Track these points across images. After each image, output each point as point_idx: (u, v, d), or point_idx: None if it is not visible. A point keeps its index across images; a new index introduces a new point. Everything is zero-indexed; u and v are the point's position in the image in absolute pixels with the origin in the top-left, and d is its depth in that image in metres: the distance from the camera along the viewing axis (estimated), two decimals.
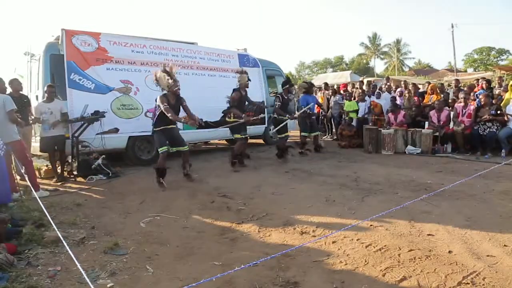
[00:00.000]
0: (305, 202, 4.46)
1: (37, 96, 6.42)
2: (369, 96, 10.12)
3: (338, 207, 4.24)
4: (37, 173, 6.04)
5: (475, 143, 7.47)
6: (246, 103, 6.73)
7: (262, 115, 6.68)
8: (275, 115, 7.35)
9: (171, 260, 2.98)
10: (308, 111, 7.77)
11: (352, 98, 10.09)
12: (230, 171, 6.41)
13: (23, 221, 3.75)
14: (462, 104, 7.83)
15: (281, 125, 7.24)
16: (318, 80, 22.72)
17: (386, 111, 9.23)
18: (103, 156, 6.40)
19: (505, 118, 7.12)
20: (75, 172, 6.28)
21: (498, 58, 43.47)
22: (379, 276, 2.60)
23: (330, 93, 11.27)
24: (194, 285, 2.15)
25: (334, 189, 5.01)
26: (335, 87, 12.10)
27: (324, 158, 7.53)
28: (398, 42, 47.98)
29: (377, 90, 10.47)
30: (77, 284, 2.61)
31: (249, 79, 6.55)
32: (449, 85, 13.55)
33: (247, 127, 6.85)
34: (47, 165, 6.53)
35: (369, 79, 17.14)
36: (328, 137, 11.23)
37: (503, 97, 7.87)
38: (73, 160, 6.43)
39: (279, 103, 7.23)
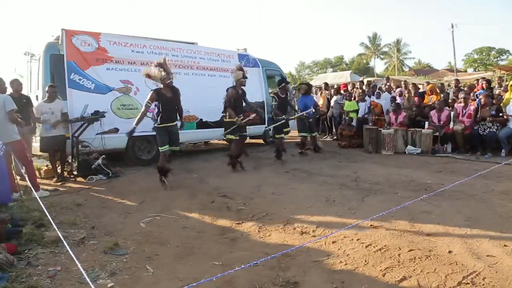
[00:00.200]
0: (305, 202, 4.46)
1: (37, 96, 6.41)
2: (369, 96, 10.12)
3: (338, 207, 4.24)
4: (37, 173, 6.04)
5: (475, 143, 7.47)
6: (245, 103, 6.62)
7: (252, 116, 6.42)
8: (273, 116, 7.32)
9: (171, 260, 2.98)
10: (305, 115, 7.77)
11: (352, 98, 10.09)
12: (230, 171, 6.40)
13: (23, 221, 3.75)
14: (462, 104, 7.83)
15: (276, 124, 7.17)
16: (318, 80, 22.77)
17: (386, 111, 9.24)
18: (103, 156, 6.40)
19: (504, 117, 7.12)
20: (75, 172, 6.28)
21: (498, 58, 43.48)
22: (379, 276, 2.60)
23: (332, 93, 11.26)
24: (194, 285, 2.14)
25: (334, 189, 5.01)
26: (335, 87, 12.09)
27: (324, 158, 7.53)
28: (398, 42, 48.00)
29: (377, 90, 10.48)
30: (77, 284, 2.61)
31: (245, 77, 6.32)
32: (449, 85, 13.55)
33: (247, 127, 6.79)
34: (47, 165, 6.53)
35: (369, 79, 17.14)
36: (328, 137, 11.23)
37: (503, 97, 7.87)
38: (73, 160, 6.43)
39: (275, 103, 7.19)
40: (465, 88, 9.35)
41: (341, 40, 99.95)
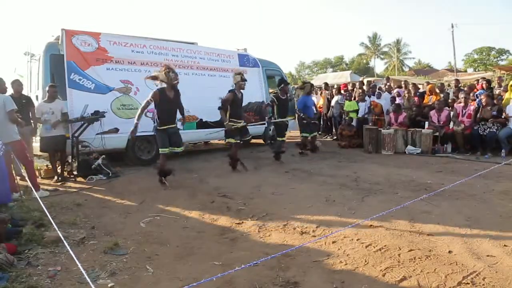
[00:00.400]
0: (305, 202, 4.46)
1: (37, 96, 6.41)
2: (369, 96, 10.11)
3: (338, 207, 4.24)
4: (37, 173, 6.04)
5: (475, 143, 7.47)
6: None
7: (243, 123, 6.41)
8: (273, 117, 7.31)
9: (171, 260, 2.98)
10: (301, 115, 7.82)
11: (352, 98, 10.09)
12: (230, 171, 6.40)
13: (23, 221, 3.75)
14: (462, 104, 7.83)
15: (275, 121, 7.19)
16: (318, 80, 22.78)
17: (386, 111, 9.24)
18: (103, 156, 6.40)
19: (503, 115, 7.12)
20: (75, 172, 6.28)
21: (498, 58, 43.49)
22: (379, 276, 2.60)
23: (334, 93, 11.26)
24: (194, 285, 2.14)
25: (334, 189, 5.01)
26: (335, 87, 12.09)
27: (324, 158, 7.53)
28: (398, 42, 48.02)
29: (377, 90, 10.47)
30: (77, 284, 2.61)
31: (244, 80, 6.31)
32: (449, 85, 13.56)
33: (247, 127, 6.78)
34: (47, 165, 6.53)
35: (369, 79, 17.14)
36: (328, 137, 11.23)
37: (503, 97, 7.87)
38: (73, 160, 6.43)
39: (275, 104, 7.19)
40: (465, 88, 9.35)
41: (341, 40, 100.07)
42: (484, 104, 7.40)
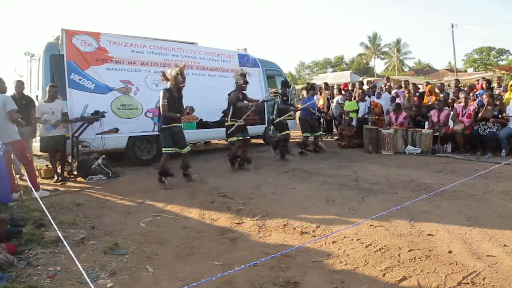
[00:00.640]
0: (305, 202, 4.46)
1: (37, 96, 6.41)
2: (369, 96, 10.11)
3: (338, 207, 4.24)
4: (37, 173, 6.04)
5: (475, 143, 7.47)
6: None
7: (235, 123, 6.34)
8: (274, 117, 7.33)
9: (171, 260, 2.98)
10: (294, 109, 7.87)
11: (352, 98, 10.09)
12: (230, 171, 6.40)
13: (23, 221, 3.74)
14: (462, 104, 7.83)
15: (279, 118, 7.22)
16: (318, 80, 22.76)
17: (386, 111, 9.23)
18: (103, 156, 6.40)
19: (505, 118, 7.12)
20: (75, 172, 6.28)
21: (498, 58, 43.52)
22: (379, 276, 2.60)
23: (335, 93, 11.26)
24: (194, 285, 2.15)
25: (334, 189, 5.01)
26: (335, 87, 12.10)
27: (324, 158, 7.53)
28: (398, 42, 48.03)
29: (377, 90, 10.47)
30: (77, 284, 2.61)
31: (246, 82, 6.35)
32: (448, 85, 13.56)
33: (247, 127, 6.80)
34: (47, 165, 6.53)
35: (369, 79, 17.16)
36: (329, 137, 11.23)
37: (503, 97, 7.87)
38: (73, 160, 6.43)
39: (280, 101, 7.24)
40: (465, 88, 9.35)
41: (341, 40, 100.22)
42: (486, 103, 7.39)
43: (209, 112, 7.99)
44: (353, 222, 3.63)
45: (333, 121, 11.13)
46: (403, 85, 10.80)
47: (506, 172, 5.65)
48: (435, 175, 5.74)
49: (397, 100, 9.19)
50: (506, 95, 7.74)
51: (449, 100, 8.67)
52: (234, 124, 6.24)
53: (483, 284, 2.44)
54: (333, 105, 10.75)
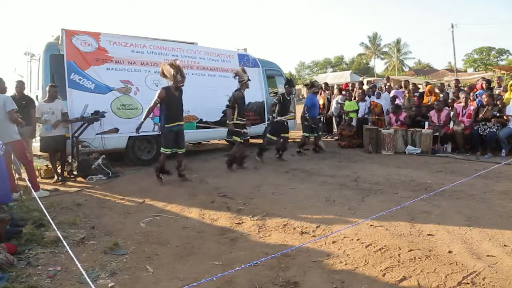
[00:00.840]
0: (305, 202, 4.46)
1: (37, 96, 6.41)
2: (369, 96, 10.11)
3: (338, 207, 4.24)
4: (37, 173, 6.04)
5: (475, 143, 7.47)
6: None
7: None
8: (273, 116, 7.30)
9: (171, 260, 2.98)
10: (306, 115, 7.83)
11: (352, 98, 10.09)
12: (230, 171, 6.40)
13: (23, 221, 3.75)
14: (462, 104, 7.83)
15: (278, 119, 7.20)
16: (318, 80, 22.72)
17: (386, 111, 9.23)
18: (103, 156, 6.40)
19: (504, 117, 7.12)
20: (75, 172, 6.28)
21: (498, 58, 43.53)
22: (379, 276, 2.60)
23: (335, 93, 11.26)
24: (194, 285, 2.15)
25: (334, 189, 5.01)
26: (336, 87, 12.10)
27: (324, 158, 7.53)
28: (398, 42, 48.05)
29: (377, 90, 10.46)
30: (77, 284, 2.61)
31: (249, 79, 6.42)
32: (448, 85, 13.56)
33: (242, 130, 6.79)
34: (47, 165, 6.53)
35: (369, 79, 17.16)
36: (329, 137, 11.23)
37: (503, 97, 7.87)
38: (73, 160, 6.43)
39: (278, 103, 7.20)
40: (465, 88, 9.34)
41: (341, 40, 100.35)
42: (485, 103, 7.39)
43: (209, 112, 7.99)
44: (353, 222, 3.63)
45: (333, 121, 11.13)
46: (403, 85, 10.80)
47: (506, 172, 5.65)
48: (435, 175, 5.74)
49: (396, 101, 9.19)
50: (506, 95, 7.74)
51: (449, 100, 8.68)
52: (239, 123, 6.25)
53: (483, 284, 2.44)
54: (333, 105, 10.75)
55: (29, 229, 3.47)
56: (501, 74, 21.37)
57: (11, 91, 5.92)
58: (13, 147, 4.81)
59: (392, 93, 9.99)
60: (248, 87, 6.45)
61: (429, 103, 8.80)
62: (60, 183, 5.83)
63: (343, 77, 23.75)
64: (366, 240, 3.22)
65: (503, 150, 6.99)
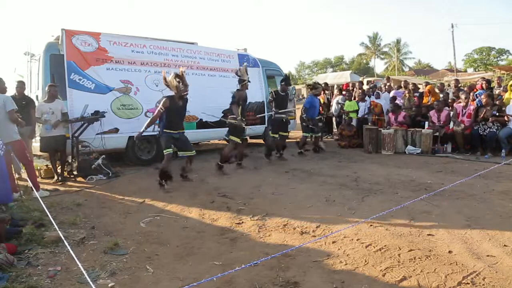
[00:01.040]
0: (305, 202, 4.46)
1: (37, 96, 6.41)
2: (369, 96, 10.11)
3: (338, 207, 4.24)
4: (37, 173, 6.04)
5: (475, 143, 7.47)
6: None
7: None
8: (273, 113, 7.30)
9: (171, 260, 2.98)
10: (304, 116, 7.85)
11: (352, 98, 10.09)
12: (230, 171, 6.40)
13: (23, 221, 3.75)
14: (462, 104, 7.83)
15: (262, 115, 7.16)
16: (318, 80, 22.75)
17: (386, 111, 9.24)
18: (103, 156, 6.40)
19: (505, 119, 7.12)
20: (75, 172, 6.28)
21: (498, 58, 43.54)
22: (379, 276, 2.60)
23: (336, 93, 11.26)
24: (194, 285, 2.15)
25: (334, 189, 5.01)
26: (336, 87, 12.10)
27: (324, 158, 7.53)
28: (398, 42, 48.04)
29: (377, 90, 10.46)
30: (77, 284, 2.61)
31: (249, 81, 6.40)
32: (448, 85, 13.56)
33: (248, 127, 6.82)
34: (47, 165, 6.53)
35: (369, 79, 17.16)
36: (329, 137, 11.23)
37: (503, 97, 7.87)
38: (73, 160, 6.43)
39: (271, 98, 7.22)
40: (465, 88, 9.34)
41: (341, 40, 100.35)
42: (484, 103, 7.39)
43: (209, 112, 7.97)
44: (353, 222, 3.63)
45: (333, 121, 11.12)
46: (402, 85, 10.80)
47: (506, 172, 5.65)
48: (435, 175, 5.74)
49: (397, 101, 9.19)
50: (506, 95, 7.74)
51: (449, 100, 8.68)
52: (243, 123, 6.22)
53: (483, 284, 2.44)
54: (333, 105, 10.74)
55: (29, 229, 3.47)
56: (501, 74, 21.38)
57: (11, 91, 5.93)
58: (13, 147, 4.82)
59: (392, 93, 10.00)
60: (247, 88, 6.43)
61: (429, 103, 8.80)
62: (60, 183, 5.83)
63: (343, 77, 23.76)
64: (366, 240, 3.22)
65: (503, 150, 6.98)
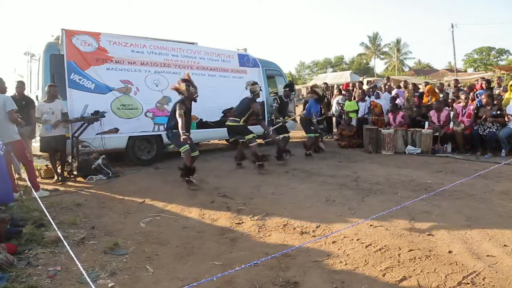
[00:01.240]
0: (305, 202, 4.46)
1: (37, 96, 6.41)
2: (369, 96, 10.12)
3: (338, 207, 4.24)
4: (37, 173, 6.04)
5: (475, 143, 7.47)
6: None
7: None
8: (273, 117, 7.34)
9: (171, 260, 2.98)
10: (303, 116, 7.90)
11: (352, 98, 10.10)
12: (230, 171, 6.41)
13: (23, 221, 3.75)
14: (462, 104, 7.83)
15: (277, 125, 7.20)
16: (318, 80, 22.78)
17: (386, 111, 9.24)
18: (103, 156, 6.40)
19: (506, 119, 7.12)
20: (75, 172, 6.28)
21: (498, 58, 43.57)
22: (379, 276, 2.60)
23: (336, 93, 11.27)
24: (194, 285, 2.15)
25: (334, 189, 5.01)
26: (335, 87, 12.10)
27: (324, 158, 7.52)
28: (398, 42, 48.06)
29: (377, 90, 10.46)
30: (77, 284, 2.61)
31: (261, 89, 6.61)
32: (448, 85, 13.56)
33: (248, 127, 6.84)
34: (47, 165, 6.53)
35: (369, 79, 17.17)
36: (329, 137, 11.23)
37: (503, 97, 7.87)
38: (73, 160, 6.43)
39: (277, 105, 7.23)
40: (465, 88, 9.34)
41: (341, 40, 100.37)
42: (484, 103, 7.39)
43: (209, 112, 7.99)
44: (353, 222, 3.63)
45: (333, 121, 11.12)
46: (402, 86, 10.80)
47: (506, 172, 5.65)
48: (435, 175, 5.74)
49: (398, 101, 9.19)
50: (506, 95, 7.74)
51: (449, 100, 8.68)
52: (245, 125, 6.39)
53: (483, 284, 2.44)
54: (333, 105, 10.75)
55: (29, 229, 3.47)
56: (501, 74, 21.38)
57: (11, 91, 5.93)
58: (13, 147, 4.82)
59: (394, 92, 10.00)
60: (259, 97, 6.60)
61: (429, 103, 8.80)
62: (60, 183, 5.83)
63: (343, 77, 23.78)
64: (366, 240, 3.22)
65: (503, 150, 6.98)
